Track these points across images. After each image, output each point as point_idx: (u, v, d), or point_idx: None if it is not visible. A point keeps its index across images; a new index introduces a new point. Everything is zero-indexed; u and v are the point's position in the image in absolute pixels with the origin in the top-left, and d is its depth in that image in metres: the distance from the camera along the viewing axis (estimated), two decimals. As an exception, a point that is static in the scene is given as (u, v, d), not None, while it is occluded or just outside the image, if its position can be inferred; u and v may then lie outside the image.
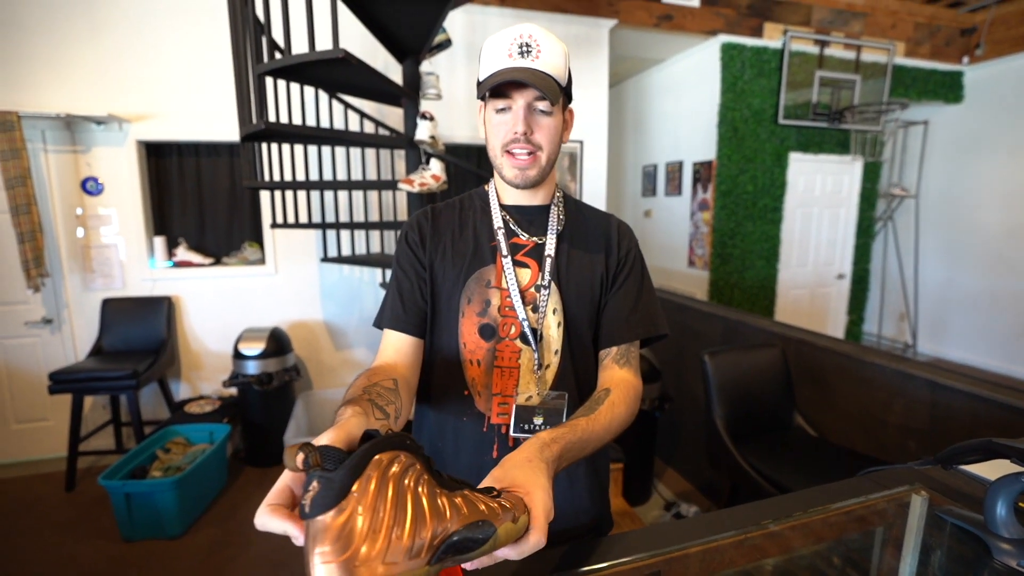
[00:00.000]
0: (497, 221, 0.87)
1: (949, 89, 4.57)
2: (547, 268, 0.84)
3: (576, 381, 0.86)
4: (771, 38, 3.97)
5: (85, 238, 2.86)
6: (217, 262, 3.15)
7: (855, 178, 4.54)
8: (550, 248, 0.85)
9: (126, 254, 2.92)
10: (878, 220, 4.89)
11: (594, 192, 3.69)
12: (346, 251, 3.12)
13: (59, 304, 2.87)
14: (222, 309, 3.07)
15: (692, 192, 4.27)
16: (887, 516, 0.84)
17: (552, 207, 0.89)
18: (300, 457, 0.36)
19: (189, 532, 2.23)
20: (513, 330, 0.83)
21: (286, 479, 0.43)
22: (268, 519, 0.41)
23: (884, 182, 4.82)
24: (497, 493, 0.49)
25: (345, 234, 3.12)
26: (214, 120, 2.88)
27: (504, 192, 0.89)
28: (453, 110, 3.19)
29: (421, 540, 0.38)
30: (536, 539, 0.48)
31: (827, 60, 4.13)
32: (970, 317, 4.63)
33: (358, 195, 3.09)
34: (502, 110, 0.79)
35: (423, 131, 2.15)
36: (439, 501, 0.41)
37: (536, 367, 0.82)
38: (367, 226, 2.51)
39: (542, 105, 0.78)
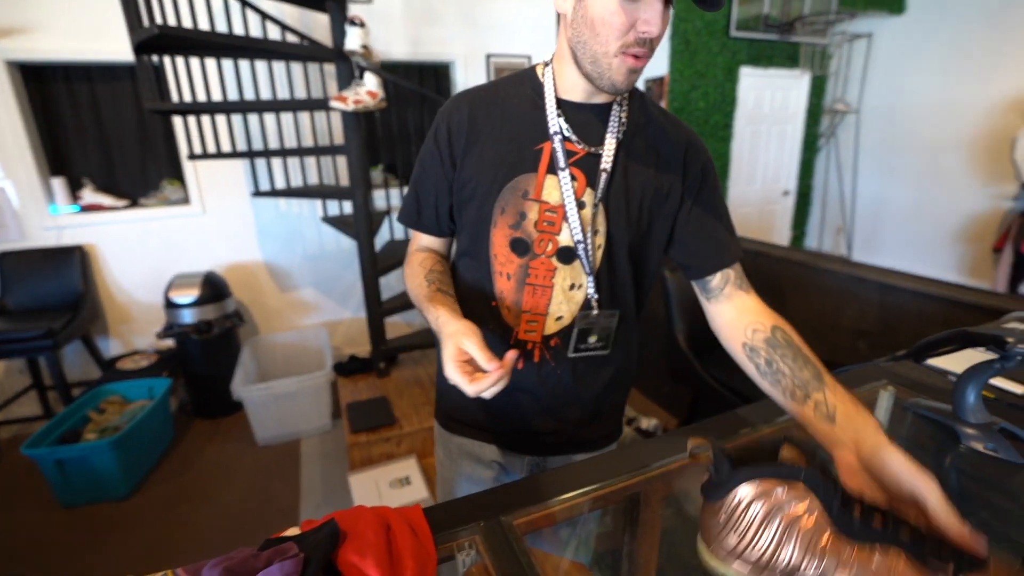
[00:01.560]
0: (553, 124, 0.73)
1: (893, -1, 4.53)
2: (600, 185, 0.73)
3: (624, 301, 0.82)
4: (724, -61, 3.75)
5: (-36, 182, 2.47)
6: (133, 204, 2.82)
7: (802, 93, 4.54)
8: (606, 162, 0.73)
9: (18, 200, 2.55)
10: (821, 136, 4.97)
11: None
12: (280, 184, 2.85)
13: (-54, 260, 2.51)
14: (146, 256, 2.79)
15: (644, 111, 4.15)
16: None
17: (614, 107, 0.74)
18: (691, 445, 0.43)
19: (138, 492, 2.11)
20: (550, 247, 0.75)
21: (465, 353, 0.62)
22: (454, 372, 0.60)
23: (829, 97, 4.85)
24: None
25: (278, 165, 2.84)
26: (105, 36, 2.45)
27: (565, 83, 0.73)
28: (388, 22, 2.86)
29: None
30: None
31: (779, -35, 3.97)
32: (900, 228, 4.90)
33: (288, 120, 2.79)
34: None
35: (353, 39, 1.90)
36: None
37: (565, 287, 0.77)
38: (300, 152, 2.26)
39: None
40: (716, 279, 0.77)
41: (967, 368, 0.70)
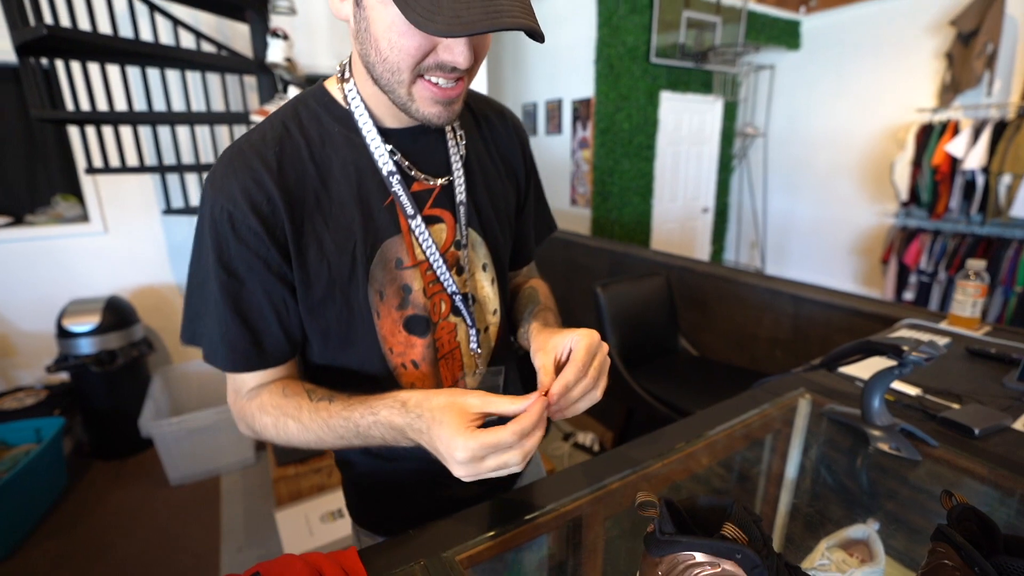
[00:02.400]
0: (385, 163, 0.57)
1: (789, 36, 5.01)
2: (462, 217, 0.63)
3: (508, 334, 0.75)
4: (642, -27, 3.99)
5: None
6: (18, 221, 2.51)
7: (716, 117, 4.89)
8: (460, 190, 0.62)
9: None
10: (734, 157, 5.36)
11: (477, 131, 3.52)
12: (194, 200, 2.66)
13: None
14: (34, 280, 2.48)
15: (572, 130, 4.28)
16: (778, 422, 0.89)
17: (447, 126, 0.61)
18: (640, 499, 0.46)
19: (20, 551, 1.85)
20: (444, 307, 0.63)
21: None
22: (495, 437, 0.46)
23: (740, 121, 5.26)
24: None
25: (192, 180, 2.64)
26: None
27: (379, 108, 0.57)
28: (313, 34, 2.78)
29: None
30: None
31: (692, 1, 4.28)
32: (805, 242, 5.36)
33: (204, 133, 2.61)
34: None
35: (276, 52, 1.82)
36: None
37: (476, 343, 0.66)
38: (217, 169, 2.12)
39: None
40: (515, 272, 0.82)
41: (872, 375, 0.77)
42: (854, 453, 0.78)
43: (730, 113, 4.95)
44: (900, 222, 4.33)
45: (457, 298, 0.63)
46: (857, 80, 4.62)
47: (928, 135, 3.91)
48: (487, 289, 0.68)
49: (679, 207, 4.88)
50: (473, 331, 0.65)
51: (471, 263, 0.65)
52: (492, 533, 0.58)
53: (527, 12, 0.46)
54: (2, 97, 2.43)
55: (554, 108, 4.45)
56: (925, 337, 1.19)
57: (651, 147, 4.40)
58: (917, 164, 3.99)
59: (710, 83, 4.65)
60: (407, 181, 0.59)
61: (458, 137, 0.64)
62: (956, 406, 0.84)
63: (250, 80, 2.57)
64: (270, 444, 2.14)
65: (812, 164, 5.14)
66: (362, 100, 0.57)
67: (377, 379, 0.63)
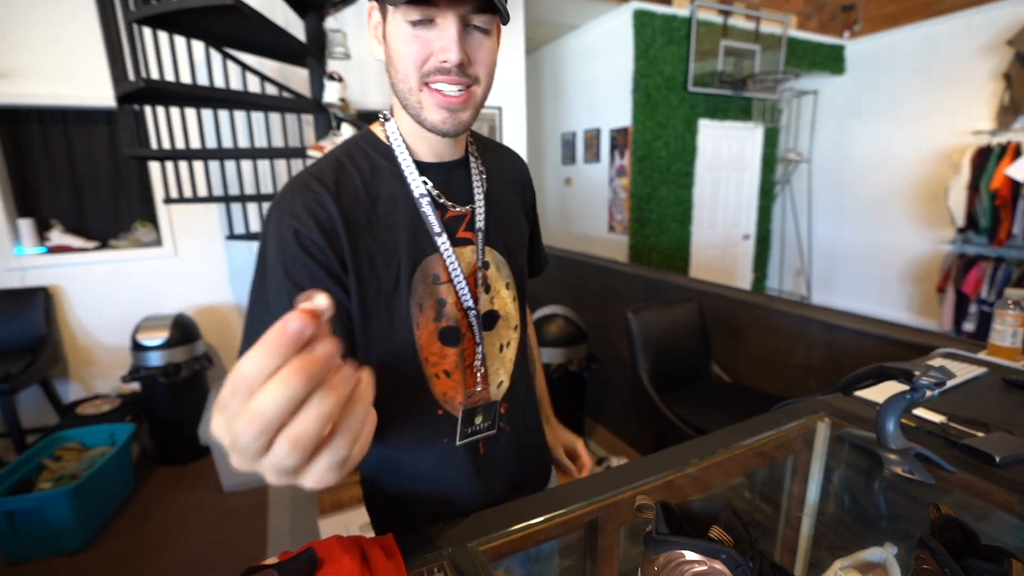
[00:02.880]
0: (418, 189, 0.65)
1: (833, 61, 4.96)
2: (480, 241, 0.70)
3: (525, 350, 0.81)
4: (679, 6, 4.09)
5: (-74, 223, 2.43)
6: (103, 245, 2.80)
7: (757, 143, 4.86)
8: (480, 217, 0.70)
9: (-17, 240, 2.51)
10: (777, 183, 5.29)
11: (517, 160, 3.66)
12: (255, 227, 2.88)
13: (-101, 302, 2.43)
14: (114, 298, 2.75)
15: (610, 159, 4.37)
16: (797, 443, 0.91)
17: (470, 159, 0.72)
18: (639, 502, 0.53)
19: (93, 545, 2.02)
20: (471, 320, 0.69)
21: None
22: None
23: (782, 147, 5.20)
24: None
25: (253, 209, 2.88)
26: (83, 81, 2.51)
27: (416, 143, 0.66)
28: (365, 73, 3.00)
29: None
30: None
31: (731, 30, 4.33)
32: (854, 270, 5.18)
33: (265, 166, 2.85)
34: (421, 23, 0.56)
35: (331, 93, 2.00)
36: None
37: (495, 349, 0.73)
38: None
39: (480, 20, 0.57)
40: None
41: (886, 399, 0.79)
42: (870, 476, 0.80)
43: (771, 139, 4.91)
44: (957, 249, 4.14)
45: (471, 313, 0.68)
46: (906, 103, 4.52)
47: (986, 158, 3.76)
48: (510, 306, 0.74)
49: (719, 234, 4.84)
50: (480, 348, 0.70)
51: (495, 282, 0.72)
52: (513, 528, 0.64)
53: None
54: (95, 137, 2.75)
55: (592, 137, 4.56)
56: (961, 366, 1.18)
57: (689, 174, 4.42)
58: (974, 188, 3.83)
59: (749, 110, 4.65)
60: (441, 208, 0.67)
61: (480, 173, 0.73)
62: (981, 434, 0.84)
63: (307, 117, 2.79)
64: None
65: (860, 190, 5.00)
66: (401, 137, 0.66)
67: (412, 388, 0.67)
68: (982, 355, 1.23)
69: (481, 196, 0.71)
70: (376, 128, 0.69)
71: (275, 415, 0.26)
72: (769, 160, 4.96)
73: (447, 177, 0.69)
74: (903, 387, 0.77)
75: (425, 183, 0.66)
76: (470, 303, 0.68)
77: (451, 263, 0.67)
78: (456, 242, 0.68)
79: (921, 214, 4.47)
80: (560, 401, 2.46)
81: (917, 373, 0.72)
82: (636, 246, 4.30)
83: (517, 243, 0.77)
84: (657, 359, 1.84)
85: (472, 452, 0.73)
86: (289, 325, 0.26)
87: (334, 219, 0.60)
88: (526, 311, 0.82)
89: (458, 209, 0.69)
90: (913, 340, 1.37)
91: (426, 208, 0.66)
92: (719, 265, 4.90)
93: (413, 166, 0.66)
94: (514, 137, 3.62)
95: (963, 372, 1.14)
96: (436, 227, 0.66)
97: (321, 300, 0.29)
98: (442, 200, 0.67)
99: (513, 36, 3.47)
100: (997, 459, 0.76)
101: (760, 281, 5.30)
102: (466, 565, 0.59)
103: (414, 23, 0.56)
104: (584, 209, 4.80)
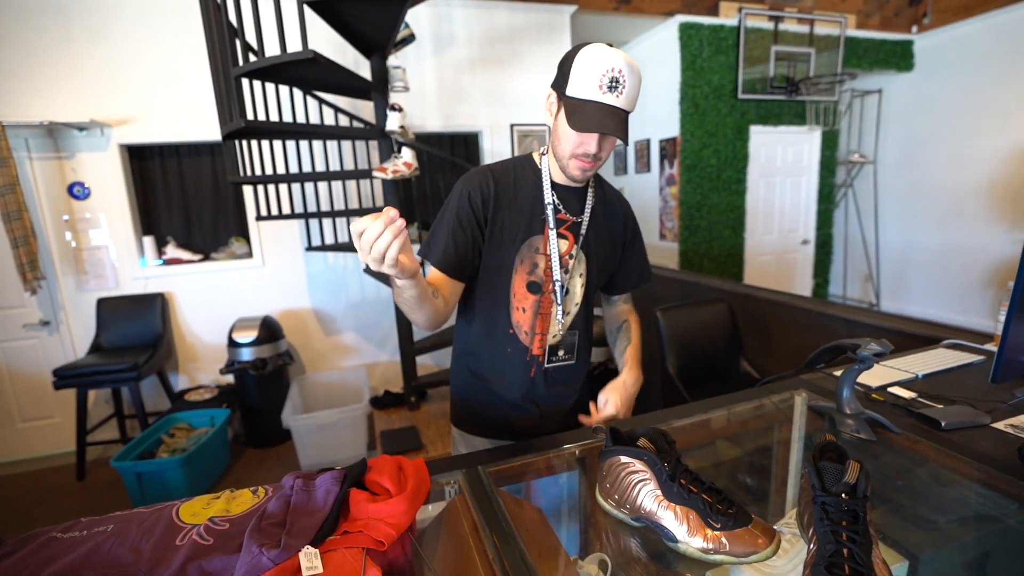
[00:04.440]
0: (548, 198, 1.02)
1: (900, 58, 4.77)
2: (580, 242, 1.05)
3: (585, 323, 1.12)
4: (727, 16, 4.14)
5: (76, 241, 2.98)
6: (206, 258, 3.28)
7: (814, 147, 4.76)
8: (585, 227, 1.05)
9: (117, 255, 3.04)
10: (839, 187, 5.12)
11: (564, 173, 3.85)
12: (330, 240, 3.26)
13: (55, 306, 2.99)
14: (214, 302, 3.21)
15: (660, 168, 4.45)
16: (775, 413, 1.04)
17: (588, 189, 1.07)
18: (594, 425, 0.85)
19: (198, 507, 2.40)
20: (550, 285, 1.04)
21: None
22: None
23: (843, 150, 5.04)
24: None
25: (327, 223, 3.26)
26: (193, 121, 3.00)
27: (556, 171, 1.03)
28: (423, 101, 3.33)
29: None
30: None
31: (782, 35, 4.31)
32: (927, 274, 4.90)
33: (337, 185, 3.23)
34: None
35: (393, 122, 2.30)
36: None
37: (561, 315, 1.05)
38: (347, 213, 2.66)
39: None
40: (618, 296, 1.21)
41: (842, 372, 0.91)
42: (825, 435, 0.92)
43: (830, 142, 4.78)
44: (1042, 251, 3.85)
45: (557, 284, 1.03)
46: (984, 97, 4.28)
47: (1073, 153, 3.50)
48: (577, 288, 1.07)
49: (774, 239, 4.76)
50: (560, 308, 1.04)
51: (573, 269, 1.05)
52: (515, 460, 0.84)
53: (621, 128, 0.87)
54: (201, 166, 3.25)
55: (642, 148, 4.67)
56: (963, 355, 1.24)
57: (741, 181, 4.41)
58: (1059, 186, 3.57)
59: (804, 113, 4.57)
60: (555, 211, 1.02)
61: (591, 199, 1.07)
62: (941, 407, 0.94)
63: (372, 143, 3.15)
64: (379, 439, 2.55)
65: (933, 190, 4.75)
66: (547, 165, 1.04)
67: (501, 312, 1.04)
68: (989, 346, 1.28)
69: (588, 213, 1.06)
70: (535, 155, 1.08)
71: (372, 237, 0.66)
72: (828, 163, 4.83)
73: (567, 194, 1.05)
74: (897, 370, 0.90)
75: (553, 194, 1.03)
76: (557, 274, 1.03)
77: (552, 243, 1.02)
78: (560, 234, 1.03)
79: (1004, 214, 4.20)
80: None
81: (861, 345, 0.85)
82: (686, 253, 4.35)
83: (601, 255, 1.09)
84: (686, 355, 1.96)
85: (523, 368, 1.07)
86: (389, 211, 0.66)
87: (489, 194, 1.00)
88: (591, 300, 1.12)
89: (569, 216, 1.04)
90: (924, 332, 1.42)
91: (548, 209, 1.02)
92: (775, 271, 4.81)
93: (549, 183, 1.03)
94: (561, 151, 3.81)
95: (959, 359, 1.21)
96: (551, 221, 1.02)
97: (394, 212, 0.66)
98: (560, 207, 1.03)
99: (560, 59, 3.69)
100: (943, 424, 0.87)
101: (822, 287, 5.13)
102: (475, 481, 0.79)
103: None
104: (636, 217, 4.89)
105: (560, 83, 0.92)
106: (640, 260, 1.19)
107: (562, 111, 0.91)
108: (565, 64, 0.92)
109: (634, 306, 1.22)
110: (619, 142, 0.89)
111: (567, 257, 1.03)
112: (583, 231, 1.04)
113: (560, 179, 1.03)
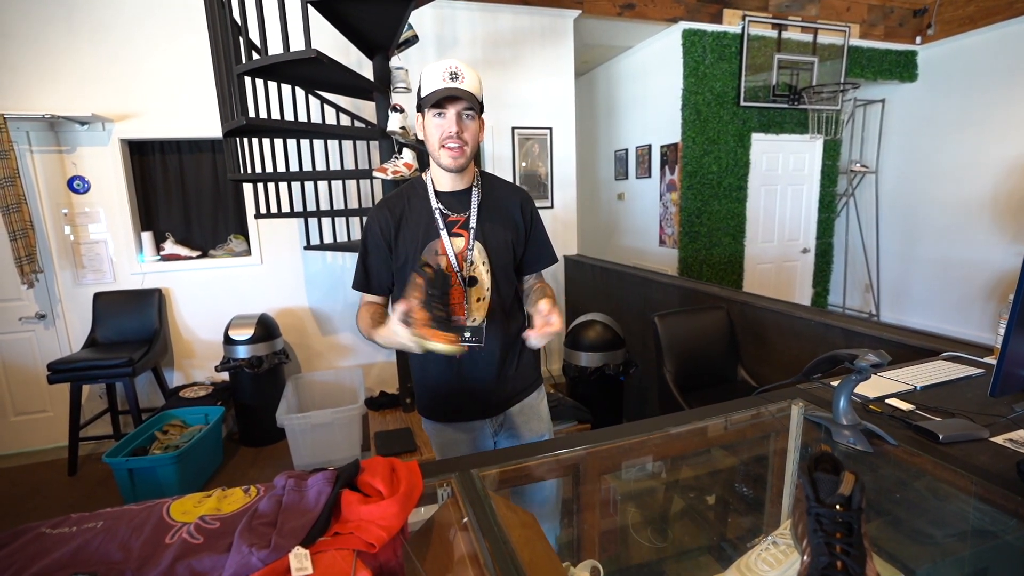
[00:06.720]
0: (434, 204, 1.19)
1: (904, 68, 4.78)
2: (473, 235, 1.19)
3: (500, 305, 1.23)
4: (730, 23, 4.15)
5: (74, 235, 2.97)
6: (204, 255, 3.27)
7: (816, 156, 4.76)
8: (473, 222, 1.20)
9: (115, 249, 3.03)
10: (840, 196, 5.12)
11: (564, 176, 3.86)
12: (328, 239, 3.26)
13: (52, 299, 2.98)
14: (211, 299, 3.20)
15: (660, 174, 4.46)
16: (772, 422, 1.03)
17: (473, 189, 1.21)
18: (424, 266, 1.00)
19: (190, 504, 2.38)
20: (456, 278, 1.18)
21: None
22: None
23: (845, 159, 5.05)
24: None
25: (326, 222, 3.26)
26: (194, 118, 3.00)
27: (438, 180, 1.19)
28: (426, 101, 3.32)
29: None
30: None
31: (785, 43, 4.32)
32: (927, 285, 4.90)
33: (337, 184, 3.22)
34: (439, 114, 1.09)
35: (394, 123, 2.30)
36: None
37: (476, 301, 1.20)
38: (346, 213, 2.65)
39: (468, 113, 1.10)
40: (528, 276, 1.33)
41: (839, 383, 0.91)
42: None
43: (831, 151, 4.79)
44: (1042, 264, 3.84)
45: (459, 276, 1.16)
46: (987, 109, 4.28)
47: (1075, 166, 3.51)
48: (484, 277, 1.20)
49: (775, 247, 4.76)
50: (466, 298, 1.18)
51: (476, 261, 1.19)
52: (508, 464, 0.83)
53: (468, 95, 1.07)
54: (201, 163, 3.25)
55: (643, 153, 4.67)
56: (963, 368, 1.24)
57: (742, 188, 4.41)
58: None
59: (806, 122, 4.58)
60: (444, 215, 1.18)
61: (478, 196, 1.21)
62: (939, 419, 0.93)
63: (373, 143, 3.14)
64: (373, 439, 2.54)
65: (935, 201, 4.75)
66: (431, 178, 1.20)
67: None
68: (988, 359, 1.27)
69: (474, 209, 1.20)
70: (425, 175, 1.23)
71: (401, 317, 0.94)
72: (830, 172, 4.83)
73: (453, 199, 1.20)
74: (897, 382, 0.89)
75: (438, 201, 1.19)
76: (457, 270, 1.17)
77: (446, 242, 1.17)
78: (455, 233, 1.18)
79: (1006, 226, 4.20)
80: (597, 402, 2.59)
81: (858, 357, 0.84)
82: (686, 259, 4.34)
83: (498, 243, 1.22)
84: (683, 362, 1.95)
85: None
86: (400, 306, 0.95)
87: (388, 221, 1.20)
88: (503, 284, 1.24)
89: (456, 216, 1.19)
90: (923, 344, 1.41)
91: (437, 215, 1.18)
92: (775, 279, 4.81)
93: (433, 194, 1.20)
94: (563, 155, 3.82)
95: (958, 372, 1.20)
96: (440, 223, 1.18)
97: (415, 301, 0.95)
98: (446, 212, 1.19)
99: (562, 64, 3.69)
100: (941, 437, 0.86)
101: (821, 296, 5.12)
102: (468, 484, 0.78)
103: (436, 115, 1.09)
104: (636, 223, 4.90)
105: (419, 102, 1.12)
106: (541, 242, 1.32)
107: (425, 114, 1.10)
108: (418, 87, 1.12)
109: (546, 283, 1.34)
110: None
111: (467, 251, 1.18)
112: (473, 225, 1.18)
113: (444, 187, 1.19)
